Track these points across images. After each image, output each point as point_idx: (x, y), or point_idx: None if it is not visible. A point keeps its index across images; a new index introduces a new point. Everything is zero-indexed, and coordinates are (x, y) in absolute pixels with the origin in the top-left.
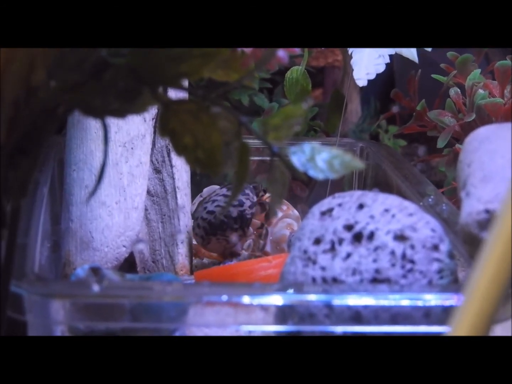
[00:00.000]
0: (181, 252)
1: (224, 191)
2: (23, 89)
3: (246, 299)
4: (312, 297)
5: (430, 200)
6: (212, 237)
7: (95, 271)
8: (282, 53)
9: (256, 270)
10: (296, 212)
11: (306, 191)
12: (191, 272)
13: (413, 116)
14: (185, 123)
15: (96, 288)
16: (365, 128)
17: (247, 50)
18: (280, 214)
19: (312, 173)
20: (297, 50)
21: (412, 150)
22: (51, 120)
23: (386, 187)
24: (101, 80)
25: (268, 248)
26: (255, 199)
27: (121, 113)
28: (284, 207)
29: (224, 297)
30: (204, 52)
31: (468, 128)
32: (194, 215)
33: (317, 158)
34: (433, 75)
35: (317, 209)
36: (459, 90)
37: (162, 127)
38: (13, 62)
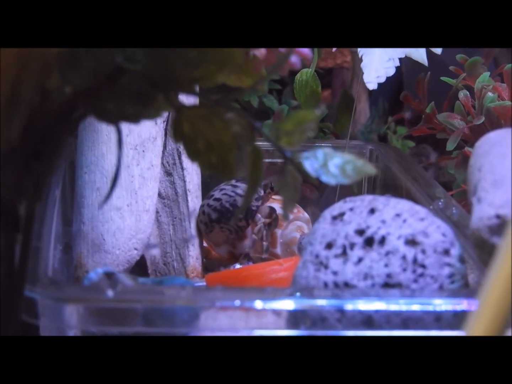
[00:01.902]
0: (192, 255)
1: (232, 181)
2: (38, 93)
3: (258, 304)
4: (324, 302)
5: (440, 203)
6: (216, 224)
7: (109, 275)
8: (294, 58)
9: (267, 273)
10: (306, 215)
11: (316, 193)
12: (202, 274)
13: (422, 118)
14: (198, 127)
15: (110, 293)
16: (373, 129)
17: (260, 54)
18: (290, 217)
19: (324, 178)
20: (309, 55)
21: (420, 150)
22: (66, 124)
23: (395, 189)
24: (115, 85)
25: (278, 250)
26: (262, 193)
27: (135, 118)
28: (295, 210)
29: (237, 302)
30: (217, 58)
31: (477, 130)
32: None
33: (329, 163)
34: (442, 78)
35: (328, 213)
36: (468, 93)
37: (175, 132)
38: (28, 66)
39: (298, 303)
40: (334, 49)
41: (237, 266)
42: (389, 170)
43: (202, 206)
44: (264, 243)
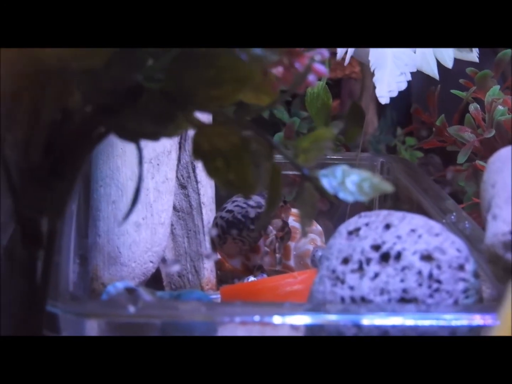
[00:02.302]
0: (207, 267)
1: None
2: (59, 112)
3: (277, 319)
4: (341, 317)
5: (452, 217)
6: (228, 236)
7: (130, 291)
8: (312, 77)
9: (282, 286)
10: (319, 227)
11: (328, 205)
12: (217, 286)
13: (433, 131)
14: (216, 145)
15: (132, 309)
16: (382, 140)
17: (277, 72)
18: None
19: (342, 195)
20: (325, 73)
21: (427, 160)
22: (86, 143)
23: (406, 202)
24: (135, 103)
25: (291, 263)
26: None
27: (155, 136)
28: None
29: (256, 318)
30: (236, 76)
31: (487, 143)
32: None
33: (347, 180)
34: (452, 91)
35: (344, 228)
36: (478, 106)
37: (195, 150)
38: (49, 85)
39: (316, 318)
40: (346, 62)
41: (251, 278)
42: (400, 182)
43: (215, 218)
44: (277, 255)
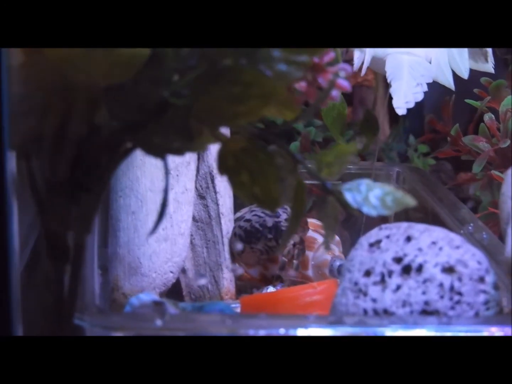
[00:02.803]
0: (226, 277)
1: None
2: (86, 128)
3: (301, 332)
4: (365, 330)
5: (470, 227)
6: (246, 245)
7: (157, 304)
8: (335, 93)
9: (302, 297)
10: (336, 237)
11: (344, 214)
12: (236, 296)
13: (448, 141)
14: (242, 161)
15: (159, 322)
16: (394, 147)
17: (300, 88)
18: (321, 239)
19: (365, 210)
20: (348, 88)
21: (439, 167)
22: (113, 158)
23: (422, 211)
24: (162, 119)
25: (310, 272)
26: None
27: (181, 151)
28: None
29: (282, 331)
30: (262, 93)
31: (502, 152)
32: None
33: (370, 195)
34: (466, 100)
35: (365, 240)
36: (493, 116)
37: (221, 165)
38: (76, 102)
39: (340, 331)
40: (363, 73)
41: (271, 288)
42: (416, 192)
43: (234, 228)
44: (295, 261)
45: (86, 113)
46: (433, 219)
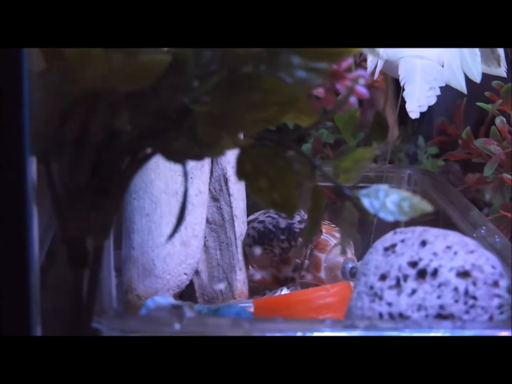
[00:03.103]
0: (239, 279)
1: None
2: (106, 134)
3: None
4: (380, 333)
5: (482, 231)
6: (260, 247)
7: (175, 307)
8: (353, 99)
9: (315, 299)
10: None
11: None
12: (249, 298)
13: (460, 144)
14: (261, 166)
15: (177, 326)
16: (402, 148)
17: (318, 94)
18: (333, 241)
19: (382, 215)
20: (366, 94)
21: (447, 168)
22: (132, 163)
23: (433, 214)
24: (182, 126)
25: (322, 274)
26: (306, 216)
27: (200, 157)
28: (338, 235)
29: (299, 334)
30: (282, 99)
31: None
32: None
33: (387, 200)
34: (478, 103)
35: (380, 244)
36: (504, 119)
37: (239, 170)
38: (98, 108)
39: (355, 334)
40: (376, 76)
41: (284, 290)
42: (428, 195)
43: (248, 229)
44: (306, 261)
45: (107, 119)
46: (445, 222)
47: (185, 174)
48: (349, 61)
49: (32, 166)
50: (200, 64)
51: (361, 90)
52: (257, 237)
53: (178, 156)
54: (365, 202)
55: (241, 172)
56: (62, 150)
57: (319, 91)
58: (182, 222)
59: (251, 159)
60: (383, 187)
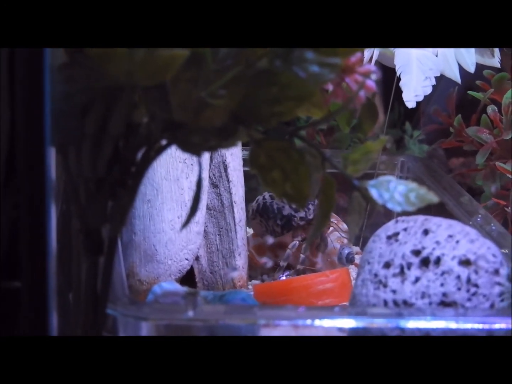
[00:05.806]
0: (239, 264)
1: None
2: (124, 126)
3: (327, 323)
4: (385, 321)
5: (478, 219)
6: (258, 216)
7: (190, 294)
8: (362, 94)
9: (315, 285)
10: (345, 226)
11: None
12: (247, 283)
13: (452, 132)
14: (275, 158)
15: (191, 313)
16: (389, 133)
17: (330, 88)
18: (330, 228)
19: (390, 205)
20: (374, 88)
21: (431, 153)
22: (148, 154)
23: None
24: (200, 119)
25: (319, 260)
26: (311, 217)
27: (215, 148)
28: (335, 221)
29: (309, 321)
30: (297, 94)
31: (504, 144)
32: None
33: (394, 191)
34: (469, 92)
35: (383, 233)
36: (496, 108)
37: (253, 162)
38: (118, 101)
39: (362, 322)
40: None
41: (283, 277)
42: (422, 182)
43: (264, 194)
44: (301, 255)
45: (126, 112)
46: (441, 210)
47: (200, 166)
48: (358, 56)
49: (52, 159)
50: (217, 58)
51: (371, 84)
52: (261, 208)
53: (195, 148)
54: (374, 193)
55: (255, 164)
56: (82, 142)
57: (329, 86)
58: (195, 212)
59: (266, 152)
60: (391, 179)
